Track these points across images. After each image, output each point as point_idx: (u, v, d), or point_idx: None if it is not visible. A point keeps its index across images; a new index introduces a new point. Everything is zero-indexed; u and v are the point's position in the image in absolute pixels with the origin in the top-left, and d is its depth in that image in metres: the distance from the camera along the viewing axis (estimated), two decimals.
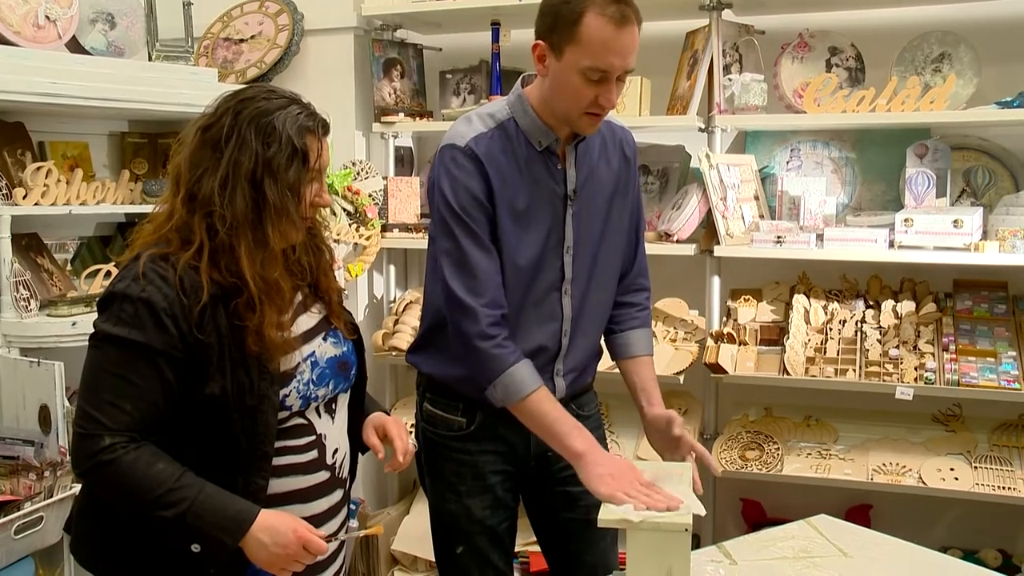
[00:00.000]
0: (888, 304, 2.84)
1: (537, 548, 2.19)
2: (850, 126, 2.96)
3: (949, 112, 2.69)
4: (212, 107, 1.57)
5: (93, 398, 1.47)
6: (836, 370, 2.74)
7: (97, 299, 1.54)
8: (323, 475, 1.65)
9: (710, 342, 2.90)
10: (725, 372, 2.80)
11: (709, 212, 2.86)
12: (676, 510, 1.59)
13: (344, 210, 3.19)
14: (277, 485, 1.58)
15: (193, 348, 1.48)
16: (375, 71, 3.29)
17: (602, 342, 2.10)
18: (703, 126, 2.94)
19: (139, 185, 2.85)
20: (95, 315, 1.52)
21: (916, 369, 2.67)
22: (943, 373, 2.64)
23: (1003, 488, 2.59)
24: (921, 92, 2.70)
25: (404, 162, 3.49)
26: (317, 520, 1.63)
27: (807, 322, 2.88)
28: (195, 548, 1.48)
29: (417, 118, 3.31)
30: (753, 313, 2.97)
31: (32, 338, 2.47)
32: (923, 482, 2.66)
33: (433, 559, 2.12)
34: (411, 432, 1.93)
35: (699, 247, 2.90)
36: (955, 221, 2.60)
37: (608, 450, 1.88)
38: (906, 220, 2.65)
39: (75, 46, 2.77)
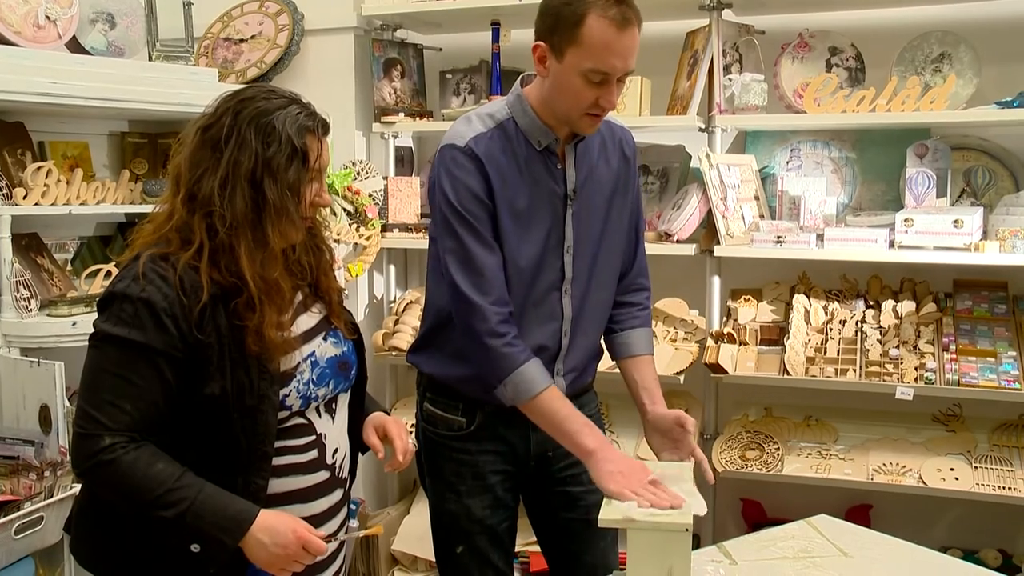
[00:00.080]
0: (888, 304, 2.84)
1: (537, 548, 2.19)
2: (850, 126, 2.96)
3: (949, 112, 2.69)
4: (212, 107, 1.57)
5: (93, 398, 1.47)
6: (836, 370, 2.74)
7: (97, 299, 1.55)
8: (323, 475, 1.65)
9: (710, 342, 2.90)
10: (725, 372, 2.80)
11: (709, 212, 2.86)
12: (679, 508, 1.60)
13: (344, 210, 3.19)
14: (277, 485, 1.58)
15: (193, 348, 1.48)
16: (375, 71, 3.29)
17: (601, 342, 2.09)
18: (703, 126, 2.94)
19: (139, 185, 2.85)
20: (95, 315, 1.52)
21: (916, 369, 2.67)
22: (943, 373, 2.64)
23: (1003, 488, 2.59)
24: (921, 92, 2.70)
25: (404, 162, 3.49)
26: (317, 520, 1.63)
27: (807, 322, 2.88)
28: (195, 548, 1.48)
29: (417, 118, 3.31)
30: (753, 313, 2.97)
31: (32, 338, 2.47)
32: (923, 482, 2.66)
33: (433, 559, 2.12)
34: (411, 432, 1.93)
35: (699, 247, 2.90)
36: (955, 221, 2.60)
37: None
38: (906, 220, 2.65)
39: (75, 46, 2.77)
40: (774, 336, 2.90)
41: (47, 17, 2.62)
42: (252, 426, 1.53)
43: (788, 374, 2.74)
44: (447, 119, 3.22)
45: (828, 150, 3.06)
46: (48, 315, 2.55)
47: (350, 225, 3.18)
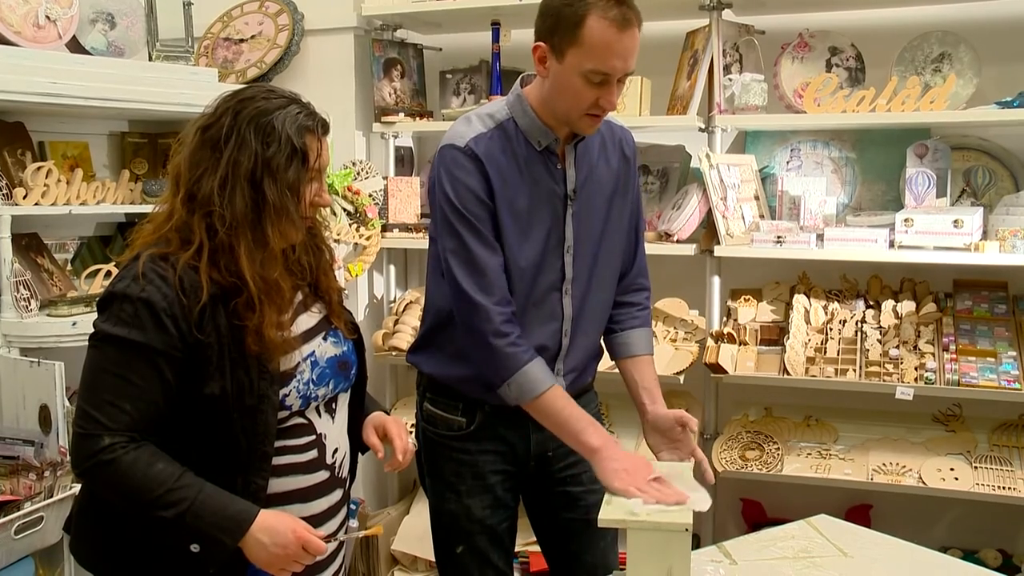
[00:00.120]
0: (888, 304, 2.84)
1: (537, 548, 2.19)
2: (850, 126, 2.96)
3: (949, 112, 2.69)
4: (211, 107, 1.57)
5: (93, 398, 1.47)
6: (836, 370, 2.74)
7: (97, 299, 1.55)
8: (323, 475, 1.65)
9: (710, 342, 2.90)
10: (725, 372, 2.80)
11: (709, 212, 2.86)
12: (684, 504, 1.61)
13: (344, 210, 3.19)
14: (277, 485, 1.58)
15: (193, 348, 1.48)
16: (375, 71, 3.30)
17: (601, 342, 2.09)
18: (703, 126, 2.94)
19: (139, 185, 2.85)
20: (95, 315, 1.52)
21: (916, 369, 2.67)
22: (943, 373, 2.64)
23: (1003, 488, 2.59)
24: (921, 92, 2.70)
25: (404, 162, 3.49)
26: (317, 520, 1.63)
27: (807, 322, 2.88)
28: (194, 548, 1.48)
29: (417, 118, 3.31)
30: (753, 313, 2.97)
31: (32, 338, 2.47)
32: (923, 482, 2.66)
33: (433, 559, 2.12)
34: (411, 432, 1.93)
35: (699, 247, 2.90)
36: (955, 221, 2.60)
37: None
38: (906, 220, 2.65)
39: (75, 46, 2.77)
40: (774, 336, 2.90)
41: (47, 17, 2.62)
42: (252, 426, 1.53)
43: (788, 374, 2.74)
44: (447, 119, 3.22)
45: (828, 150, 3.06)
46: (48, 315, 2.55)
47: (350, 225, 3.18)
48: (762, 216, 2.99)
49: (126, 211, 2.88)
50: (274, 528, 1.50)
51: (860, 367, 2.72)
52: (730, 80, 2.91)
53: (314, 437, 1.64)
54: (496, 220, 1.82)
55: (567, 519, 2.05)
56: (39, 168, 2.57)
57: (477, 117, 1.87)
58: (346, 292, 1.91)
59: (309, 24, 3.37)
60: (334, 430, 1.69)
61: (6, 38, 2.52)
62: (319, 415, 1.65)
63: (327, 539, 1.58)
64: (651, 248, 2.36)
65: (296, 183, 1.55)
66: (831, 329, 2.83)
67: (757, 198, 3.01)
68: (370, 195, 3.24)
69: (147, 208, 2.61)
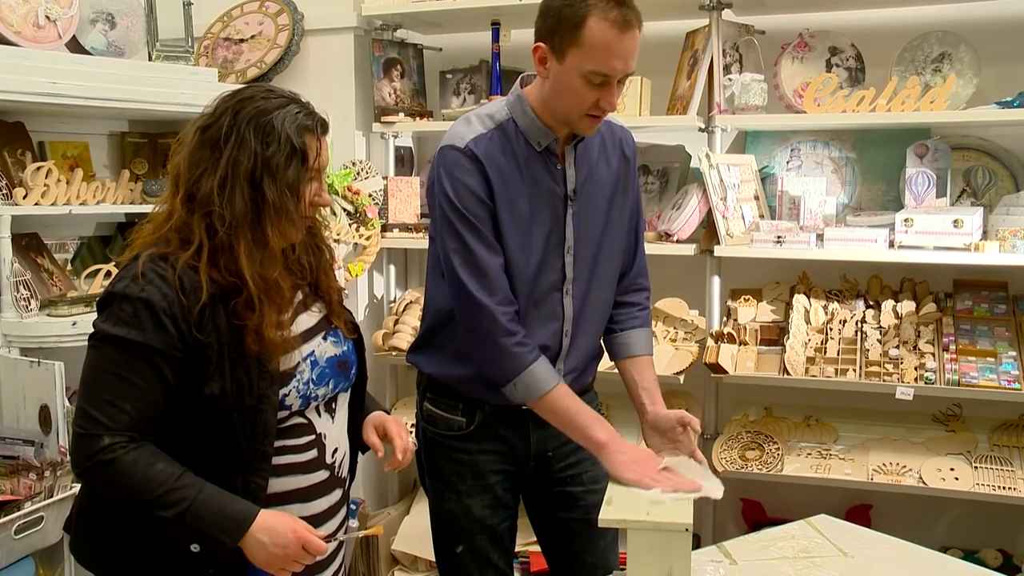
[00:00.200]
0: (888, 304, 2.84)
1: (537, 548, 2.19)
2: (850, 126, 2.96)
3: (949, 112, 2.69)
4: (211, 107, 1.57)
5: (93, 398, 1.47)
6: (836, 370, 2.74)
7: (97, 299, 1.54)
8: (322, 474, 1.65)
9: (710, 342, 2.90)
10: (725, 372, 2.80)
11: (709, 212, 2.86)
12: (700, 491, 1.64)
13: (344, 210, 3.19)
14: (277, 484, 1.58)
15: (192, 348, 1.48)
16: (375, 71, 3.30)
17: (600, 342, 2.09)
18: (703, 126, 2.94)
19: (139, 185, 2.85)
20: (95, 315, 1.52)
21: (916, 369, 2.67)
22: (943, 373, 2.64)
23: (1003, 488, 2.59)
24: (921, 92, 2.70)
25: (404, 162, 3.49)
26: (316, 520, 1.63)
27: (807, 322, 2.88)
28: (194, 548, 1.48)
29: (417, 118, 3.31)
30: (753, 313, 2.97)
31: (32, 338, 2.47)
32: (923, 482, 2.66)
33: (433, 559, 2.13)
34: (411, 432, 1.93)
35: (699, 247, 2.90)
36: (955, 221, 2.60)
37: None
38: (906, 220, 2.65)
39: (75, 46, 2.77)
40: (774, 336, 2.90)
41: (47, 17, 2.61)
42: (252, 426, 1.53)
43: (788, 374, 2.74)
44: (447, 119, 3.22)
45: (828, 150, 3.06)
46: (48, 315, 2.55)
47: (350, 225, 3.18)
48: (762, 216, 2.99)
49: (126, 211, 2.88)
50: (274, 528, 1.50)
51: (860, 367, 2.72)
52: (730, 80, 2.91)
53: (314, 437, 1.64)
54: (496, 221, 1.82)
55: (567, 519, 2.05)
56: (39, 168, 2.57)
57: (477, 118, 1.86)
58: (346, 292, 1.91)
59: (309, 24, 3.37)
60: (334, 430, 1.69)
61: (6, 38, 2.52)
62: (319, 415, 1.65)
63: (327, 539, 1.59)
64: (651, 248, 2.36)
65: (296, 183, 1.55)
66: (831, 329, 2.83)
67: (757, 198, 3.01)
68: (370, 195, 3.24)
69: (147, 208, 2.61)
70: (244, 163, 1.51)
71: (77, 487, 1.97)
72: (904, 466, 2.72)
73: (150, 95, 2.72)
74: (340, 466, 1.71)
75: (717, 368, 2.81)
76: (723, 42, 2.91)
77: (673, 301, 3.08)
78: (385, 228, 3.26)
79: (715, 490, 1.68)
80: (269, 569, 1.52)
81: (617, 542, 2.09)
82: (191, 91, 2.73)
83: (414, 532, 3.18)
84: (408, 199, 3.29)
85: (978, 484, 2.62)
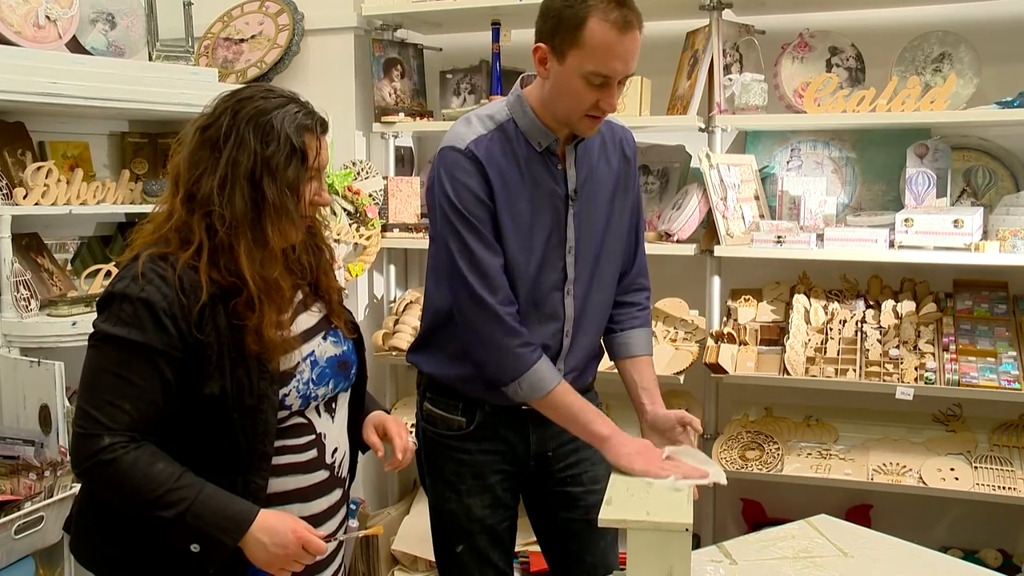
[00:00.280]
0: (888, 304, 2.84)
1: (537, 548, 2.19)
2: (850, 126, 2.96)
3: (949, 112, 2.69)
4: (210, 107, 1.57)
5: (93, 398, 1.47)
6: (836, 370, 2.74)
7: (97, 299, 1.54)
8: (322, 474, 1.65)
9: (710, 342, 2.90)
10: (725, 372, 2.80)
11: (709, 212, 2.86)
12: (707, 477, 1.69)
13: (344, 210, 3.19)
14: (276, 484, 1.58)
15: (192, 348, 1.48)
16: (375, 71, 3.30)
17: (600, 342, 2.09)
18: (703, 126, 2.94)
19: (139, 185, 2.85)
20: (95, 315, 1.52)
21: (916, 369, 2.67)
22: (943, 373, 2.64)
23: (1003, 488, 2.59)
24: (921, 92, 2.70)
25: (404, 162, 3.49)
26: (316, 519, 1.63)
27: (807, 322, 2.88)
28: (195, 548, 1.48)
29: (417, 118, 3.31)
30: (753, 313, 2.97)
31: (32, 338, 2.47)
32: (923, 482, 2.66)
33: (433, 559, 2.12)
34: (411, 431, 1.93)
35: (699, 247, 2.90)
36: (955, 221, 2.60)
37: None
38: (906, 220, 2.65)
39: (75, 46, 2.77)
40: (774, 336, 2.90)
41: (47, 17, 2.61)
42: (252, 426, 1.53)
43: (788, 374, 2.74)
44: (447, 119, 3.22)
45: (828, 150, 3.06)
46: (48, 315, 2.55)
47: (350, 225, 3.18)
48: (762, 216, 2.99)
49: (126, 211, 2.88)
50: (274, 528, 1.50)
51: (860, 367, 2.72)
52: (730, 80, 2.91)
53: (314, 437, 1.64)
54: (497, 221, 1.82)
55: (567, 519, 2.05)
56: (39, 168, 2.57)
57: (477, 118, 1.86)
58: (346, 292, 1.91)
59: (309, 24, 3.37)
60: (334, 430, 1.69)
61: (6, 38, 2.52)
62: (319, 415, 1.65)
63: (327, 539, 1.59)
64: (651, 248, 2.36)
65: (295, 182, 1.55)
66: (831, 329, 2.83)
67: (757, 198, 3.01)
68: (370, 195, 3.24)
69: (147, 208, 2.61)
70: (244, 163, 1.51)
71: (77, 487, 1.97)
72: (904, 466, 2.72)
73: (150, 95, 2.72)
74: (340, 466, 1.71)
75: (717, 368, 2.81)
76: (723, 42, 2.91)
77: (673, 301, 3.08)
78: (385, 228, 3.26)
79: (720, 476, 1.72)
80: (269, 569, 1.52)
81: (617, 542, 2.09)
82: (191, 91, 2.74)
83: (414, 532, 3.18)
84: (408, 199, 3.29)
85: (978, 484, 2.62)
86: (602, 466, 1.85)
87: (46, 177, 2.57)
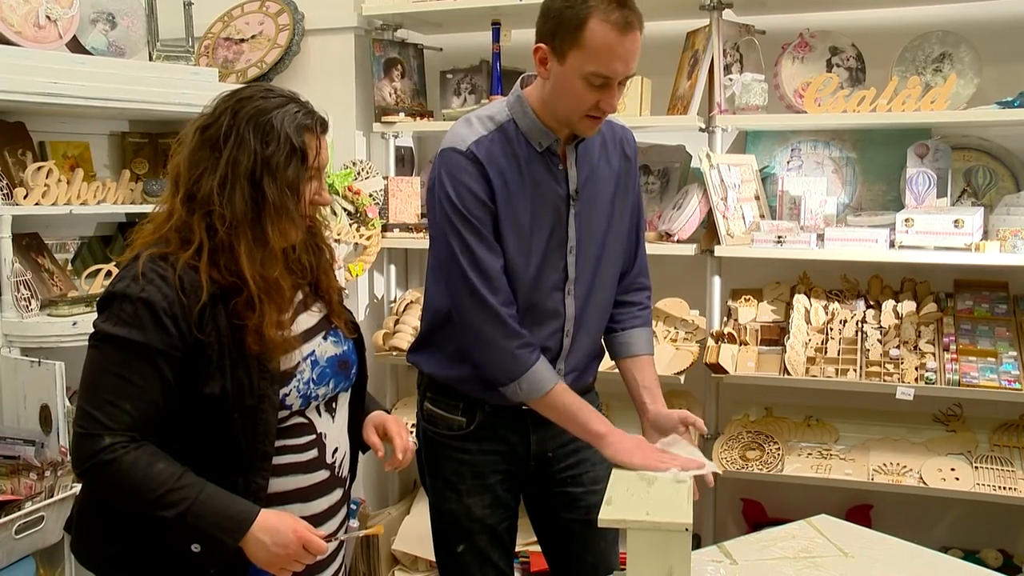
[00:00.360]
0: (889, 304, 2.84)
1: (538, 548, 2.19)
2: (851, 126, 2.96)
3: (950, 112, 2.69)
4: (210, 107, 1.57)
5: (93, 398, 1.47)
6: (837, 370, 2.74)
7: (97, 299, 1.55)
8: (323, 474, 1.65)
9: (711, 342, 2.90)
10: (726, 372, 2.80)
11: (710, 212, 2.86)
12: (703, 468, 1.73)
13: (345, 210, 3.19)
14: (277, 484, 1.58)
15: (193, 348, 1.48)
16: (376, 71, 3.30)
17: (601, 341, 2.09)
18: (704, 126, 2.94)
19: (140, 185, 2.85)
20: (95, 315, 1.52)
21: (917, 369, 2.67)
22: (944, 373, 2.64)
23: (1004, 488, 2.59)
24: (922, 92, 2.70)
25: (405, 162, 3.49)
26: (317, 519, 1.63)
27: (808, 322, 2.88)
28: (195, 548, 1.48)
29: (418, 118, 3.31)
30: (754, 313, 2.97)
31: (33, 338, 2.47)
32: (924, 482, 2.66)
33: (434, 559, 2.13)
34: (411, 431, 1.93)
35: (700, 247, 2.90)
36: (956, 221, 2.60)
37: None
38: (907, 220, 2.65)
39: (76, 46, 2.77)
40: (774, 336, 2.89)
41: (48, 17, 2.62)
42: (252, 425, 1.53)
43: (788, 374, 2.74)
44: (447, 119, 3.22)
45: (829, 150, 3.06)
46: (49, 315, 2.55)
47: (350, 225, 3.18)
48: (762, 216, 2.99)
49: (127, 211, 2.88)
50: (275, 528, 1.50)
51: (860, 367, 2.72)
52: (730, 80, 2.91)
53: (314, 436, 1.64)
54: (497, 222, 1.82)
55: (567, 519, 2.05)
56: (40, 168, 2.57)
57: (477, 119, 1.86)
58: (346, 292, 1.91)
59: (309, 24, 3.37)
60: (334, 429, 1.69)
61: (7, 38, 2.52)
62: (319, 414, 1.65)
63: (328, 538, 1.59)
64: (651, 248, 2.36)
65: (295, 182, 1.55)
66: (831, 329, 2.83)
67: (757, 198, 3.01)
68: (370, 195, 3.24)
69: (147, 208, 2.61)
70: (244, 162, 1.51)
71: (78, 487, 1.97)
72: (904, 466, 2.72)
73: (151, 95, 2.72)
74: (340, 466, 1.71)
75: (718, 368, 2.81)
76: (724, 42, 2.91)
77: (674, 301, 3.08)
78: (385, 228, 3.26)
79: (713, 466, 1.77)
80: (270, 569, 1.52)
81: (618, 542, 2.09)
82: (192, 91, 2.74)
83: (414, 532, 3.18)
84: (408, 199, 3.29)
85: (978, 484, 2.62)
86: (602, 466, 1.86)
87: (46, 177, 2.57)
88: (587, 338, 1.99)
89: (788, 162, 3.10)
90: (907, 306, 2.81)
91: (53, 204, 2.58)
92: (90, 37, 2.82)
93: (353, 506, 2.99)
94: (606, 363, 2.11)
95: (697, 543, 2.81)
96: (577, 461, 2.02)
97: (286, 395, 1.57)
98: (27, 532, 2.10)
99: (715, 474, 1.79)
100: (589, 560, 2.05)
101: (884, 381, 2.68)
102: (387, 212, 3.28)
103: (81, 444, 1.47)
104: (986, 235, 2.70)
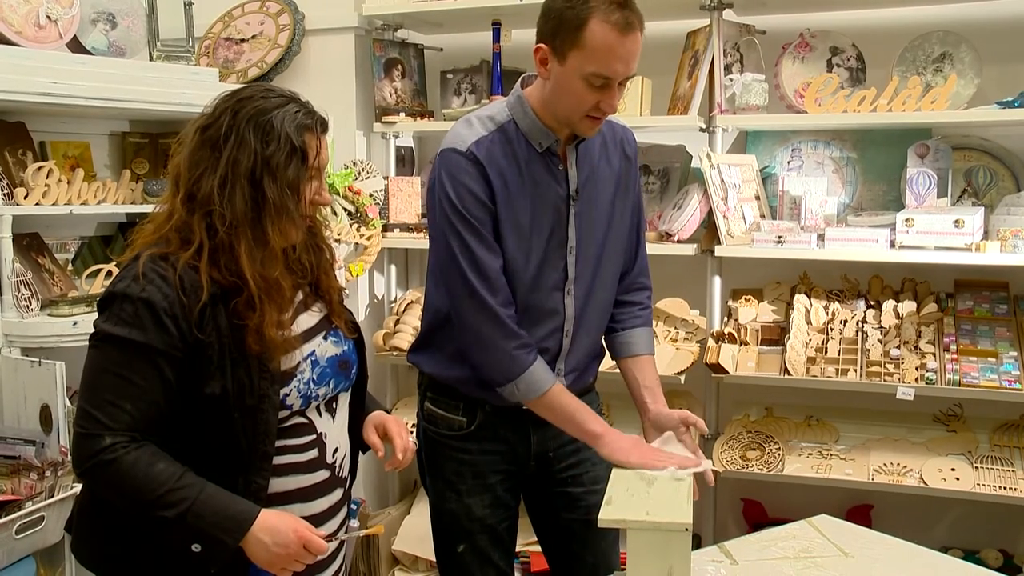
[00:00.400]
0: (889, 304, 2.84)
1: (538, 548, 2.19)
2: (851, 126, 2.96)
3: (950, 112, 2.69)
4: (210, 107, 1.57)
5: (93, 398, 1.47)
6: (837, 370, 2.74)
7: (98, 299, 1.55)
8: (323, 474, 1.65)
9: (711, 342, 2.90)
10: (726, 372, 2.80)
11: (710, 212, 2.86)
12: (699, 466, 1.74)
13: (345, 210, 3.19)
14: (277, 484, 1.58)
15: (193, 348, 1.48)
16: (376, 71, 3.30)
17: (602, 341, 2.09)
18: (704, 126, 2.94)
19: (140, 185, 2.85)
20: (96, 315, 1.52)
21: (917, 369, 2.67)
22: (944, 373, 2.64)
23: (1004, 488, 2.59)
24: (922, 92, 2.70)
25: (405, 162, 3.49)
26: (317, 519, 1.63)
27: (808, 322, 2.88)
28: (196, 548, 1.48)
29: (418, 118, 3.31)
30: (754, 313, 2.97)
31: (33, 338, 2.47)
32: (924, 482, 2.66)
33: (434, 559, 2.13)
34: (412, 431, 1.93)
35: (700, 247, 2.90)
36: (956, 221, 2.60)
37: None
38: (907, 220, 2.65)
39: (76, 46, 2.77)
40: (775, 336, 2.89)
41: (48, 17, 2.62)
42: (252, 425, 1.53)
43: (789, 374, 2.74)
44: (448, 119, 3.22)
45: (829, 150, 3.06)
46: (49, 315, 2.55)
47: (351, 225, 3.18)
48: (763, 216, 2.99)
49: (127, 211, 2.88)
50: (275, 528, 1.50)
51: (861, 367, 2.72)
52: (731, 80, 2.91)
53: (314, 436, 1.64)
54: (497, 222, 1.82)
55: (568, 519, 2.05)
56: (40, 168, 2.57)
57: (478, 119, 1.86)
58: (346, 292, 1.91)
59: (310, 24, 3.37)
60: (334, 429, 1.69)
61: (7, 38, 2.52)
62: (319, 414, 1.66)
63: (328, 538, 1.59)
64: (652, 248, 2.36)
65: (296, 181, 1.55)
66: (832, 329, 2.83)
67: (758, 198, 3.01)
68: (371, 195, 3.24)
69: (148, 208, 2.62)
70: (244, 162, 1.51)
71: (78, 487, 1.97)
72: (905, 466, 2.72)
73: (151, 95, 2.72)
74: (341, 466, 1.71)
75: (718, 368, 2.81)
76: (724, 42, 2.91)
77: (674, 301, 3.08)
78: (386, 228, 3.26)
79: (708, 464, 1.78)
80: (270, 569, 1.52)
81: (618, 542, 2.09)
82: (192, 91, 2.74)
83: (415, 532, 3.19)
84: (409, 199, 3.29)
85: (979, 484, 2.61)
86: (603, 466, 1.86)
87: (47, 177, 2.57)
88: (587, 338, 1.99)
89: (788, 162, 3.10)
90: (907, 306, 2.81)
91: (53, 204, 2.58)
92: (90, 37, 2.82)
93: (353, 506, 2.99)
94: (606, 363, 2.11)
95: (697, 543, 2.81)
96: (577, 461, 2.02)
97: (286, 395, 1.57)
98: (27, 532, 2.10)
99: (715, 472, 1.79)
100: (590, 560, 2.05)
101: (884, 381, 2.68)
102: (387, 212, 3.28)
103: (81, 444, 1.47)
104: (986, 235, 2.70)
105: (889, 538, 1.94)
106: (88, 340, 1.52)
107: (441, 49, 3.53)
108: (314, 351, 1.63)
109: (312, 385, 1.62)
